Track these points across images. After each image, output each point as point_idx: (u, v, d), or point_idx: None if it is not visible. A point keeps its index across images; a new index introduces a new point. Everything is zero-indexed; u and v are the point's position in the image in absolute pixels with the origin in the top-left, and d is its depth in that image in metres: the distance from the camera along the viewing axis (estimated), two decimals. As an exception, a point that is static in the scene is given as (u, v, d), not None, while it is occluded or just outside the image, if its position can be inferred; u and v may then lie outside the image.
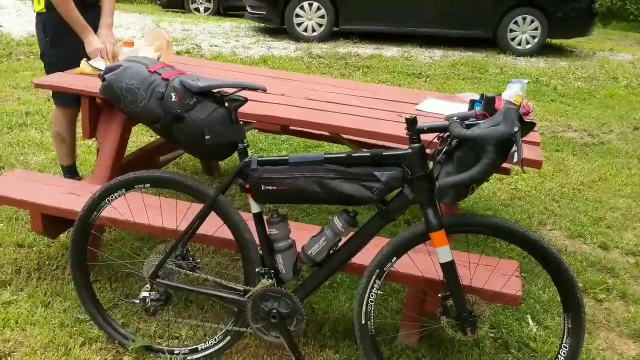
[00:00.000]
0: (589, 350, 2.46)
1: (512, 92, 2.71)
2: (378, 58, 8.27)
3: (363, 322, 2.00)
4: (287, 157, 1.96)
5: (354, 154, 1.92)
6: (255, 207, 2.02)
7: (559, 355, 1.94)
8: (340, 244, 2.02)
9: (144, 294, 2.12)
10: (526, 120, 1.76)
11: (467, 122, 1.79)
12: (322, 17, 9.19)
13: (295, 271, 2.06)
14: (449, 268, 1.89)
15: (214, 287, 2.18)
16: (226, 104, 1.97)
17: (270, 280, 2.04)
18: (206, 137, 1.93)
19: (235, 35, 9.47)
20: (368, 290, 1.98)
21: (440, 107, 2.82)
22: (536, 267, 3.07)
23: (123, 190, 2.11)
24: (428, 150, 1.87)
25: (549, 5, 8.98)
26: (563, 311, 1.92)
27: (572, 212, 3.82)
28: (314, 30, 9.25)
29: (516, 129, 1.62)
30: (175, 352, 2.20)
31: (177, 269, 2.13)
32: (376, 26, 9.39)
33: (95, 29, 3.02)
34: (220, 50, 8.16)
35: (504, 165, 3.06)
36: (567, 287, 1.88)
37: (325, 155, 1.92)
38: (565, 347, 1.92)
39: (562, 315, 1.93)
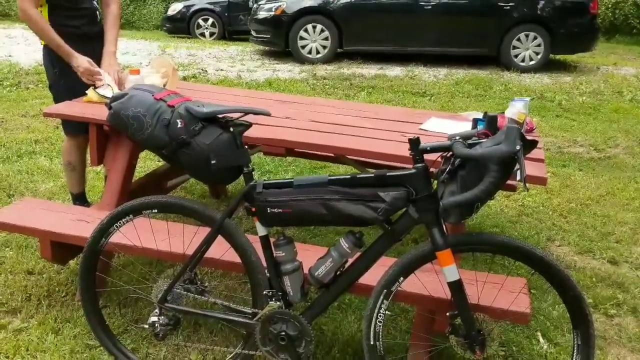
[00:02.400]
0: (600, 367, 2.44)
1: (515, 110, 2.73)
2: (382, 78, 8.34)
3: (372, 342, 2.00)
4: (292, 180, 1.98)
5: (358, 175, 1.94)
6: (261, 230, 2.03)
7: (569, 373, 1.93)
8: (347, 265, 2.03)
9: (153, 318, 2.13)
10: (529, 137, 1.77)
11: (469, 142, 1.81)
12: (326, 39, 9.30)
13: (303, 293, 2.06)
14: (456, 287, 1.89)
15: (223, 311, 2.19)
16: (231, 129, 2.00)
17: (278, 303, 2.05)
18: (212, 161, 1.95)
19: (241, 59, 9.58)
20: (376, 310, 1.98)
21: (444, 127, 2.84)
22: (545, 283, 3.06)
23: (131, 216, 2.13)
24: (432, 170, 1.89)
25: (551, 21, 9.06)
26: (572, 328, 1.92)
27: (581, 227, 3.81)
28: (318, 52, 9.36)
29: (518, 147, 1.63)
30: (185, 376, 2.21)
31: (186, 293, 2.14)
32: (380, 47, 9.49)
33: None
34: (226, 75, 8.26)
35: (510, 182, 3.10)
36: (575, 303, 1.87)
37: (329, 177, 1.94)
38: (576, 364, 1.91)
39: (572, 331, 1.92)
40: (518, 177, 1.62)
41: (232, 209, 2.06)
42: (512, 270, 3.07)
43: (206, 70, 8.40)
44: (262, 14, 9.54)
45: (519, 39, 9.16)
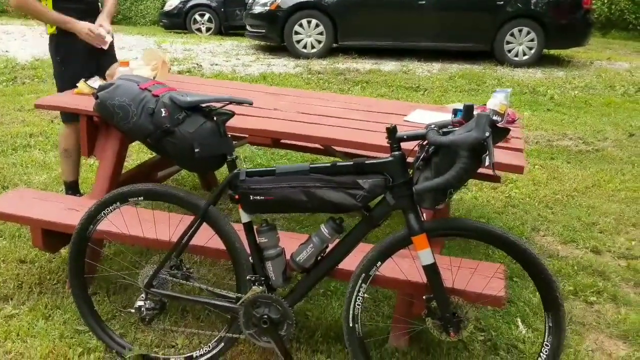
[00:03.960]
0: (577, 351, 2.50)
1: (497, 101, 2.79)
2: (376, 73, 8.39)
3: (351, 325, 2.07)
4: (274, 168, 2.04)
5: (338, 164, 2.00)
6: (245, 217, 2.09)
7: (541, 354, 1.99)
8: (327, 250, 2.09)
9: (140, 303, 2.19)
10: (501, 126, 1.84)
11: (444, 130, 1.88)
12: (321, 33, 9.34)
13: (285, 278, 2.13)
14: (431, 270, 1.96)
15: (207, 296, 2.25)
16: (214, 118, 2.05)
17: (261, 288, 2.11)
18: (196, 150, 2.01)
19: (236, 54, 9.63)
20: (355, 294, 2.04)
21: (427, 118, 2.90)
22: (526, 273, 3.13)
23: (118, 203, 2.19)
24: (410, 158, 1.95)
25: (545, 16, 9.11)
26: (544, 310, 1.98)
27: (565, 218, 3.87)
28: (313, 47, 9.40)
29: (487, 134, 1.69)
30: (171, 359, 2.27)
31: (171, 278, 2.20)
32: (374, 41, 9.54)
33: (107, 47, 3.21)
34: (220, 69, 8.31)
35: (495, 173, 3.15)
36: (546, 286, 1.94)
37: (311, 165, 2.00)
38: (547, 345, 1.97)
39: (544, 314, 1.98)
40: (487, 163, 1.68)
41: (216, 197, 2.12)
42: (498, 258, 3.14)
43: (201, 65, 8.45)
44: (257, 9, 9.59)
45: (512, 34, 9.21)
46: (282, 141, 2.93)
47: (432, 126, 1.90)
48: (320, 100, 3.33)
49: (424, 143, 1.90)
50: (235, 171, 2.06)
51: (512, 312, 2.75)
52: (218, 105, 2.08)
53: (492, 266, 2.29)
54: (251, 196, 2.03)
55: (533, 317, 2.72)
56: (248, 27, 9.96)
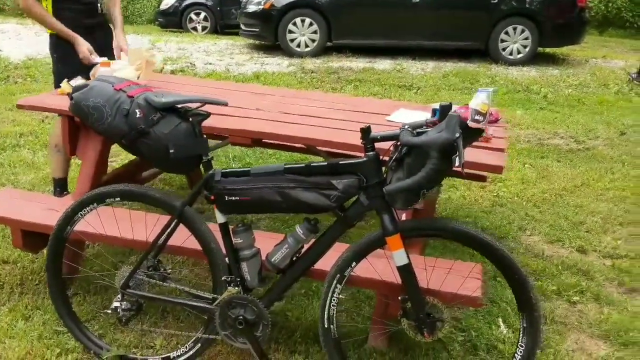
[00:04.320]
0: (557, 351, 2.50)
1: (479, 101, 2.75)
2: (370, 71, 8.38)
3: (326, 326, 2.06)
4: (249, 169, 2.04)
5: (312, 164, 2.00)
6: (220, 218, 2.09)
7: (515, 354, 1.99)
8: (303, 250, 2.09)
9: (116, 304, 2.19)
10: (474, 126, 1.83)
11: (418, 130, 1.88)
12: (315, 32, 9.32)
13: (261, 279, 2.13)
14: (405, 271, 1.95)
15: (184, 297, 2.25)
16: (190, 119, 2.05)
17: (236, 288, 2.11)
18: (170, 151, 2.01)
19: (230, 53, 9.61)
20: (329, 295, 2.04)
21: (409, 117, 2.89)
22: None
23: (95, 204, 2.19)
24: (386, 158, 1.94)
25: (539, 14, 9.09)
26: (518, 310, 1.97)
27: (553, 217, 3.87)
28: (307, 46, 9.38)
29: (457, 134, 1.69)
30: (149, 360, 2.27)
31: (148, 279, 2.20)
32: (368, 40, 9.52)
33: (105, 47, 3.30)
34: (214, 68, 8.30)
35: (480, 173, 3.15)
36: (520, 286, 1.93)
37: (285, 166, 2.00)
38: (522, 346, 1.97)
39: (518, 314, 1.98)
40: (457, 164, 1.67)
41: (191, 197, 2.12)
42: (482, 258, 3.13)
43: (194, 64, 8.43)
44: (251, 8, 9.57)
45: (507, 33, 9.19)
46: (265, 141, 2.91)
47: (406, 126, 1.90)
48: (305, 99, 3.32)
49: (398, 143, 1.90)
50: (211, 172, 2.06)
51: (494, 312, 2.75)
52: (194, 105, 2.08)
53: (469, 266, 2.29)
54: (226, 197, 2.03)
55: (515, 317, 2.71)
56: (242, 26, 9.94)
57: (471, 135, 1.89)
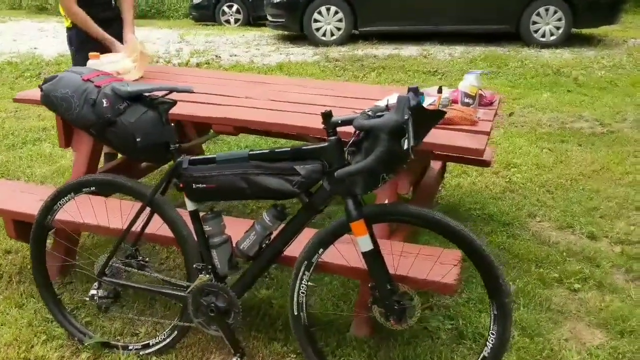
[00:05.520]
0: (548, 340, 2.41)
1: (467, 83, 2.69)
2: (395, 58, 8.27)
3: (296, 313, 2.05)
4: (215, 156, 2.03)
5: (276, 150, 1.98)
6: (190, 205, 2.09)
7: (487, 342, 1.92)
8: (273, 237, 2.07)
9: (93, 291, 2.23)
10: (432, 108, 1.78)
11: (378, 114, 1.82)
12: (340, 20, 9.25)
13: (231, 266, 2.12)
14: (369, 257, 1.91)
15: (159, 285, 2.27)
16: (156, 107, 2.05)
17: (207, 276, 2.11)
18: (137, 139, 2.02)
19: (257, 45, 9.65)
20: (298, 282, 2.02)
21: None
22: (511, 260, 3.04)
23: (72, 194, 2.23)
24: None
25: (572, -6, 8.77)
26: (489, 298, 1.91)
27: (565, 202, 3.73)
28: (332, 35, 9.33)
29: (406, 116, 1.63)
30: (129, 347, 2.30)
31: (124, 267, 2.23)
32: (395, 26, 9.39)
33: (121, 39, 3.40)
34: (238, 60, 8.34)
35: (483, 158, 3.05)
36: (489, 273, 1.86)
37: (250, 152, 1.99)
38: (493, 334, 1.90)
39: (489, 302, 1.91)
40: (405, 147, 1.62)
41: (161, 185, 2.12)
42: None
43: (219, 56, 8.50)
44: (277, -2, 9.57)
45: (539, 14, 8.90)
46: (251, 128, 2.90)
47: (367, 110, 1.85)
48: (300, 87, 3.29)
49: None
50: (179, 159, 2.06)
51: (486, 300, 2.66)
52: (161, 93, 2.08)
53: (452, 253, 2.21)
54: (194, 184, 2.03)
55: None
56: (269, 17, 9.95)
57: (431, 118, 1.84)
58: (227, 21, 13.36)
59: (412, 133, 1.61)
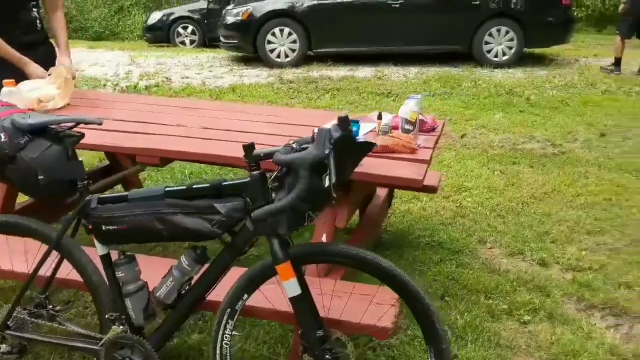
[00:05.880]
0: (497, 380, 2.28)
1: (407, 109, 2.57)
2: (350, 79, 8.18)
3: (218, 366, 1.86)
4: (127, 194, 1.84)
5: (194, 186, 1.80)
6: (101, 249, 1.90)
7: (426, 393, 1.77)
8: (193, 282, 1.89)
9: (-6, 347, 2.00)
10: (360, 140, 1.63)
11: (303, 146, 1.67)
12: (295, 42, 9.16)
13: (147, 315, 1.92)
14: (297, 302, 1.74)
15: (71, 337, 2.05)
16: (62, 141, 1.86)
17: (121, 327, 1.91)
18: (40, 176, 1.82)
19: (210, 66, 9.47)
20: (221, 331, 1.83)
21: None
22: (460, 291, 2.91)
23: (-28, 236, 2.01)
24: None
25: (523, 15, 8.87)
26: (425, 344, 1.75)
27: (517, 227, 3.64)
28: (287, 56, 9.22)
29: (327, 151, 1.48)
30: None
31: (30, 318, 2.01)
32: (349, 47, 9.33)
33: (46, 63, 3.08)
34: (190, 82, 8.14)
35: (428, 184, 2.93)
36: (425, 319, 1.71)
37: (166, 189, 1.81)
38: (432, 383, 1.75)
39: (426, 347, 1.76)
40: (326, 184, 1.46)
41: (67, 227, 1.92)
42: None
43: (170, 79, 8.28)
44: (229, 19, 9.42)
45: (491, 34, 8.98)
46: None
47: (292, 142, 1.70)
48: (239, 113, 3.12)
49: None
50: (87, 198, 1.86)
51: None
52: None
53: (389, 291, 2.05)
54: (103, 226, 1.84)
55: (455, 342, 2.49)
56: (222, 38, 9.80)
57: (359, 150, 1.70)
58: (183, 42, 13.17)
59: (334, 169, 1.46)
